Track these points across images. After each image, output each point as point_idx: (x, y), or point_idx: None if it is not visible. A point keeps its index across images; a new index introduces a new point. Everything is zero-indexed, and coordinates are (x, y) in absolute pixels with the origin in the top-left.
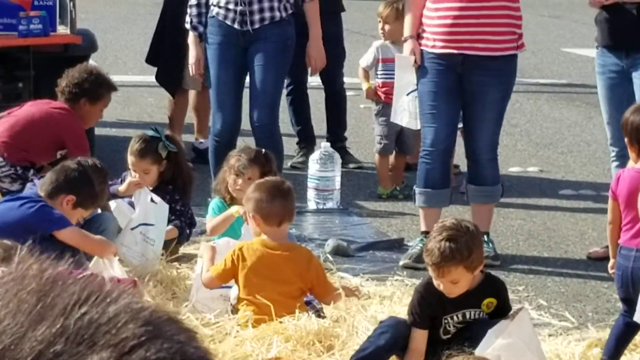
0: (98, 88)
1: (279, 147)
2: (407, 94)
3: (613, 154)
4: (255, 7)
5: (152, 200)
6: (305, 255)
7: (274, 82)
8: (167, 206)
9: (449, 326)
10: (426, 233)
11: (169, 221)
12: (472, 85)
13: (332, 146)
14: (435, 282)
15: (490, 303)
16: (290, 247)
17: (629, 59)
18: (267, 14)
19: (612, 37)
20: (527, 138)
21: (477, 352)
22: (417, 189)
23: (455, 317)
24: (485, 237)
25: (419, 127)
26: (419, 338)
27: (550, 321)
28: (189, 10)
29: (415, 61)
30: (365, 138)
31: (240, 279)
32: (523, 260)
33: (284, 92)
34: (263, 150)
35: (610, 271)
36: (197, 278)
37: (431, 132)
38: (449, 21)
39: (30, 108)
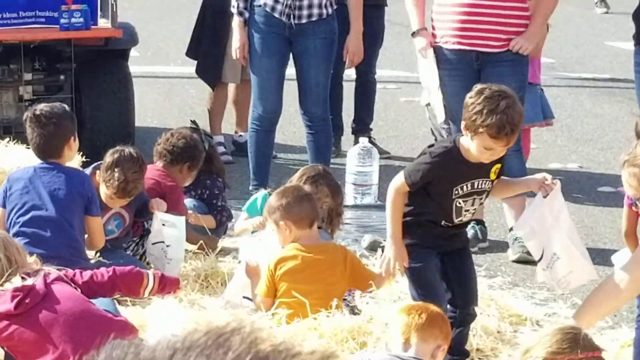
0: (199, 156)
1: (331, 134)
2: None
3: None
4: (305, 2)
5: (163, 224)
6: (341, 253)
7: (325, 76)
8: (182, 220)
9: (459, 202)
10: None
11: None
12: (488, 79)
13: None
14: (487, 152)
15: (497, 169)
16: (325, 247)
17: None
18: (315, 10)
19: None
20: (568, 134)
21: (516, 225)
22: None
23: (465, 187)
24: None
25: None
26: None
27: None
28: None
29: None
30: (404, 132)
31: (279, 288)
32: None
33: None
34: (321, 167)
35: None
36: (234, 278)
37: None
38: (461, 17)
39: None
